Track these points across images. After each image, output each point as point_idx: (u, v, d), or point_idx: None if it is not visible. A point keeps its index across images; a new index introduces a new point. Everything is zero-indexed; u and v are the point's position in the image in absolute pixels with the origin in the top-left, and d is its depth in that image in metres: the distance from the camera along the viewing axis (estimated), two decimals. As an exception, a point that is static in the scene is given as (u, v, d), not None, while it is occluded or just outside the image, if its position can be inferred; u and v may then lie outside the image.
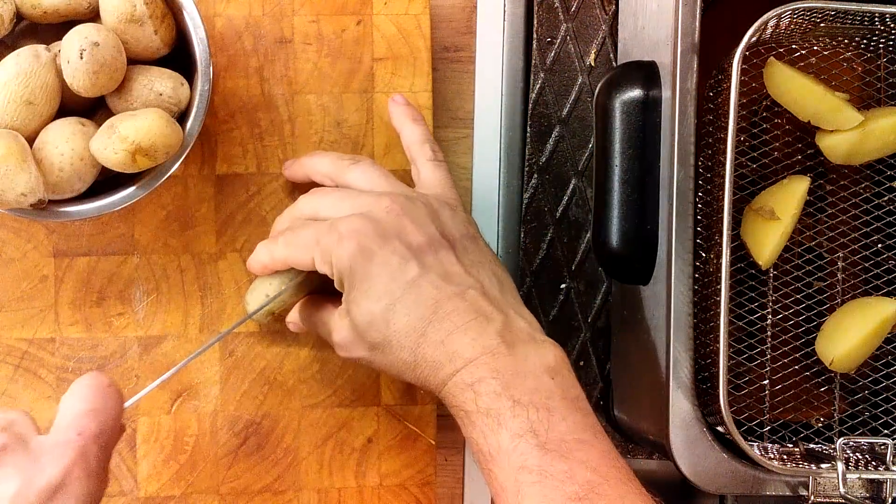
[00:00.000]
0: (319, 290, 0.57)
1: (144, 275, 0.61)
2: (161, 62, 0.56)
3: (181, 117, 0.55)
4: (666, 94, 0.55)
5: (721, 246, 0.53)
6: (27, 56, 0.52)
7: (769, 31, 0.59)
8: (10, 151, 0.50)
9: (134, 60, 0.55)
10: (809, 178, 0.61)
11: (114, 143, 0.51)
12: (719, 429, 0.55)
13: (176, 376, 0.61)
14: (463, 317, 0.50)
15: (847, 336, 0.60)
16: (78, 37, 0.51)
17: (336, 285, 0.53)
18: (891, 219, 0.63)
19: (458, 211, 0.55)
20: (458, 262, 0.52)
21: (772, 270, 0.63)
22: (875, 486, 0.55)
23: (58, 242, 0.61)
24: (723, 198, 0.53)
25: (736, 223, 0.61)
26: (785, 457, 0.58)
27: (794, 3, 0.54)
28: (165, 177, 0.55)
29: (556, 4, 0.65)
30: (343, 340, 0.53)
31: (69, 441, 0.45)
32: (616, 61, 0.65)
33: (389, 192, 0.54)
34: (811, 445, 0.60)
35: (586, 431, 0.48)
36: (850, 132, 0.59)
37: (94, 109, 0.56)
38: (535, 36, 0.66)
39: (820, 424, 0.63)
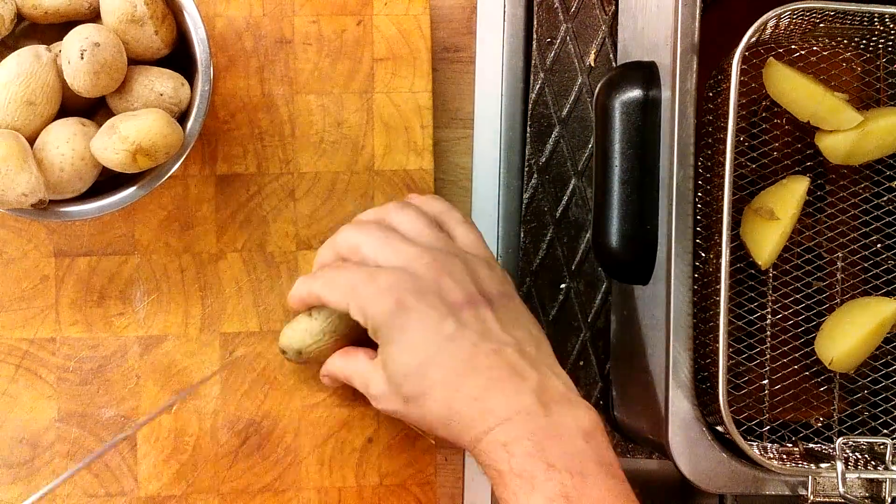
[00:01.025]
0: (355, 341, 0.57)
1: (145, 275, 0.61)
2: (161, 62, 0.56)
3: (182, 117, 0.55)
4: (665, 94, 0.55)
5: (721, 246, 0.53)
6: (28, 56, 0.52)
7: (769, 31, 0.59)
8: (10, 152, 0.50)
9: (134, 61, 0.55)
10: (809, 179, 0.61)
11: (114, 143, 0.51)
12: (719, 428, 0.55)
13: (177, 376, 0.61)
14: (499, 374, 0.50)
15: (846, 336, 0.60)
16: (78, 37, 0.51)
17: (370, 335, 0.53)
18: (890, 219, 0.63)
19: (495, 269, 0.55)
20: (496, 320, 0.52)
21: (771, 270, 0.63)
22: (874, 486, 0.55)
23: (58, 242, 0.61)
24: (722, 198, 0.53)
25: (735, 223, 0.61)
26: (784, 456, 0.58)
27: (794, 3, 0.54)
28: (166, 177, 0.55)
29: (556, 5, 0.66)
30: (379, 392, 0.53)
31: None
32: (616, 62, 0.65)
33: (430, 248, 0.54)
34: (810, 445, 0.60)
35: (619, 499, 0.48)
36: (849, 132, 0.59)
37: (94, 110, 0.56)
38: (534, 36, 0.66)
39: (819, 424, 0.63)
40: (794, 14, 0.56)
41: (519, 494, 0.48)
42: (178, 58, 0.57)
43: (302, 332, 0.58)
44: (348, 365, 0.56)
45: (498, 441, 0.49)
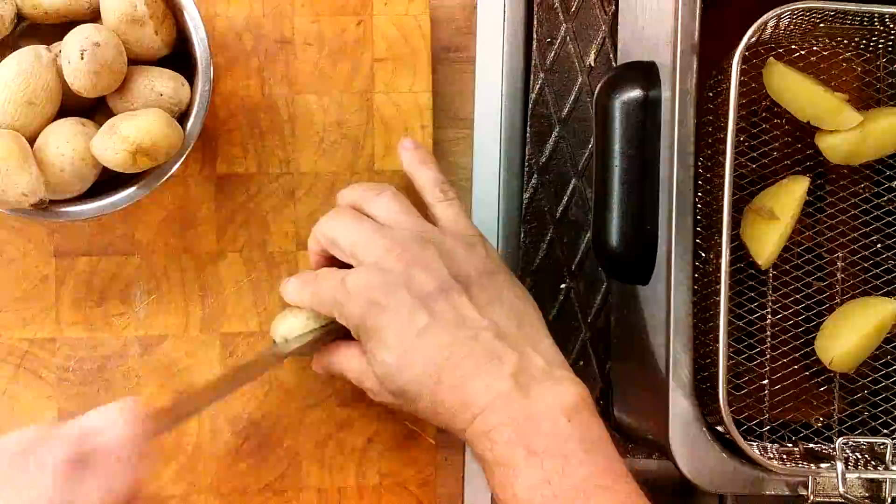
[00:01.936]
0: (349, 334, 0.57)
1: (145, 275, 0.61)
2: (161, 62, 0.56)
3: (182, 117, 0.55)
4: (666, 94, 0.55)
5: (721, 246, 0.53)
6: (28, 56, 0.52)
7: (769, 31, 0.59)
8: (10, 152, 0.50)
9: (134, 61, 0.55)
10: (809, 179, 0.61)
11: (114, 143, 0.51)
12: (719, 428, 0.55)
13: (177, 376, 0.61)
14: (476, 361, 0.49)
15: (846, 336, 0.60)
16: (79, 37, 0.51)
17: (354, 337, 0.54)
18: (890, 219, 0.63)
19: (475, 247, 0.55)
20: (472, 304, 0.51)
21: (771, 270, 0.63)
22: (874, 486, 0.55)
23: (59, 242, 0.61)
24: (722, 198, 0.53)
25: (735, 223, 0.61)
26: (784, 456, 0.58)
27: (794, 3, 0.54)
28: (166, 177, 0.55)
29: (556, 4, 0.66)
30: (372, 387, 0.54)
31: None
32: (616, 61, 0.65)
33: (402, 238, 0.53)
34: (811, 445, 0.60)
35: (606, 477, 0.47)
36: (849, 132, 0.59)
37: (94, 110, 0.56)
38: (535, 36, 0.66)
39: (819, 424, 0.63)
40: (794, 14, 0.56)
41: (503, 483, 0.48)
42: (178, 58, 0.57)
43: (291, 321, 0.58)
44: (343, 361, 0.56)
45: (480, 430, 0.49)
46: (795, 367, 0.62)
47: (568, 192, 0.66)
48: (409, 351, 0.50)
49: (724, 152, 0.53)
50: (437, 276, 0.52)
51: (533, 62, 0.66)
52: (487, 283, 0.53)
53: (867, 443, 0.58)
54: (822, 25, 0.59)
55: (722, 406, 0.53)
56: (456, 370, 0.49)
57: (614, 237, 0.58)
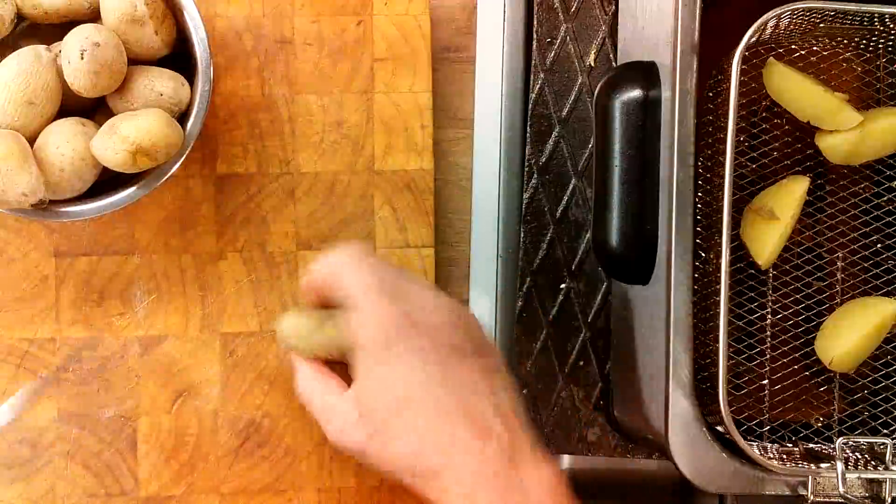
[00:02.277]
0: (337, 360, 0.54)
1: (145, 275, 0.61)
2: (161, 62, 0.56)
3: (182, 117, 0.55)
4: (666, 94, 0.55)
5: (721, 246, 0.53)
6: (28, 56, 0.52)
7: (769, 31, 0.59)
8: (11, 151, 0.50)
9: (134, 61, 0.55)
10: (809, 179, 0.61)
11: (114, 143, 0.52)
12: (719, 428, 0.55)
13: (177, 376, 0.61)
14: (474, 429, 0.49)
15: (846, 336, 0.60)
16: (79, 37, 0.51)
17: (348, 354, 0.51)
18: (890, 219, 0.63)
19: (471, 323, 0.54)
20: (483, 374, 0.51)
21: (771, 270, 0.63)
22: (874, 486, 0.55)
23: (59, 242, 0.61)
24: (722, 198, 0.53)
25: (735, 223, 0.61)
26: (784, 456, 0.58)
27: (794, 3, 0.54)
28: (166, 177, 0.55)
29: (556, 5, 0.66)
30: (341, 425, 0.51)
31: None
32: (616, 61, 0.65)
33: (439, 293, 0.52)
34: (811, 445, 0.60)
35: None
36: (849, 132, 0.59)
37: (94, 110, 0.56)
38: (535, 36, 0.66)
39: (819, 424, 0.63)
40: (794, 14, 0.56)
41: None
42: (178, 58, 0.57)
43: (295, 320, 0.55)
44: (317, 389, 0.53)
45: (464, 494, 0.48)
46: (795, 367, 0.62)
47: (568, 192, 0.66)
48: (412, 397, 0.49)
49: (724, 152, 0.53)
50: (460, 337, 0.51)
51: (533, 62, 0.66)
52: (492, 359, 0.52)
53: (867, 443, 0.58)
54: (822, 25, 0.59)
55: (722, 406, 0.53)
56: (450, 432, 0.49)
57: (614, 237, 0.57)
